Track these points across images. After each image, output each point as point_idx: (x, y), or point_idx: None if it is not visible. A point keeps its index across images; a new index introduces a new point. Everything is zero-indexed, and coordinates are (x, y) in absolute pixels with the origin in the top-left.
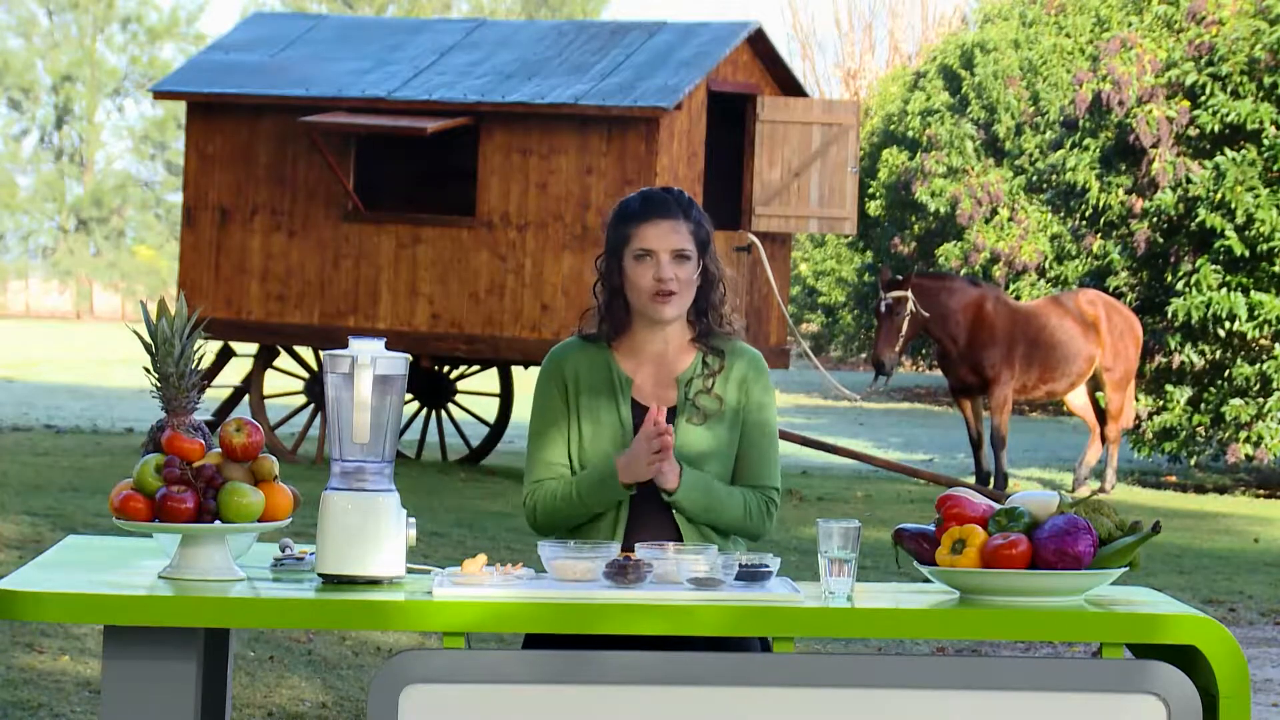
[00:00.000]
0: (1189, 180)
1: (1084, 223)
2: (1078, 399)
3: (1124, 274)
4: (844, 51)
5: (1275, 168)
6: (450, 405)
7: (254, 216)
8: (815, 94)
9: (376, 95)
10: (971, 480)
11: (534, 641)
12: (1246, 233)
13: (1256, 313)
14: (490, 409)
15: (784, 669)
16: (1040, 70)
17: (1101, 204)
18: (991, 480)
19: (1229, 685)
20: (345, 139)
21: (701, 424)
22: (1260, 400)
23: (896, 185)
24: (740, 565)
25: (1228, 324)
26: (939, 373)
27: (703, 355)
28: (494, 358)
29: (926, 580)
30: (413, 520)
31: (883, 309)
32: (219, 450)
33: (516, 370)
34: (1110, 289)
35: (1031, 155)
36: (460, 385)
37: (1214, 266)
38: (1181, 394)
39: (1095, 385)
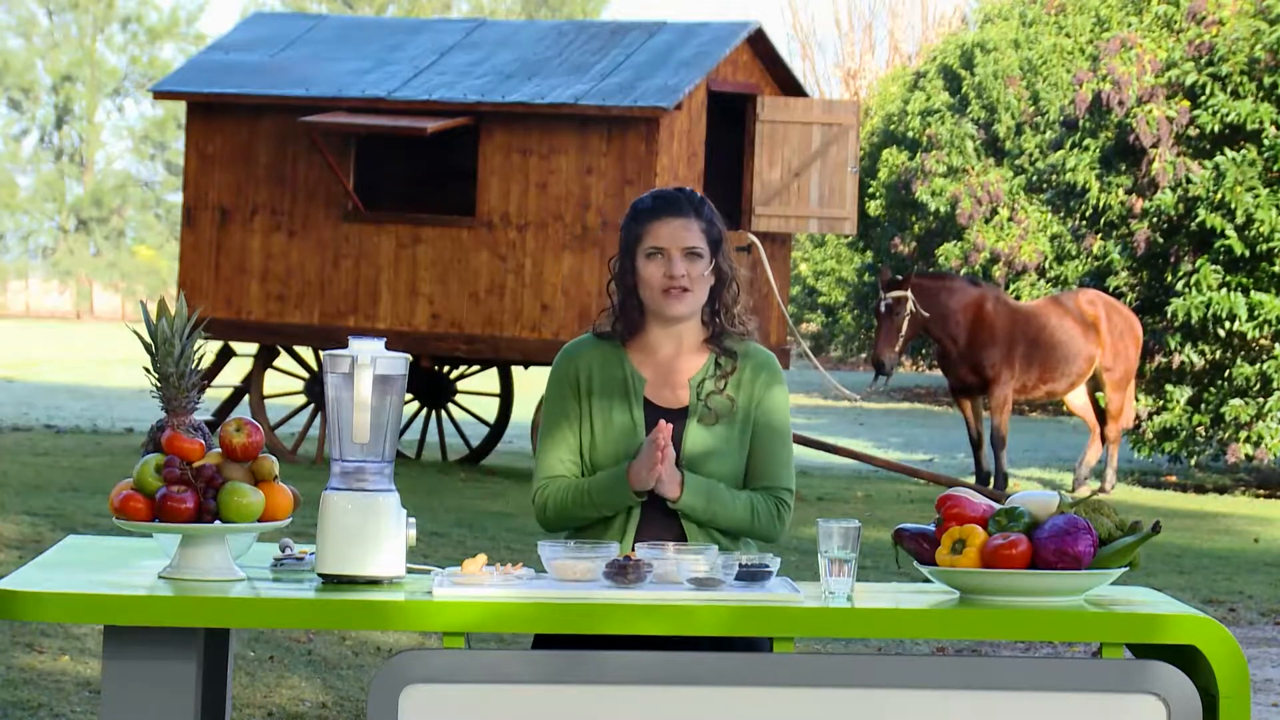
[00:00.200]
0: (1189, 180)
1: (1084, 223)
2: (1078, 399)
3: (1124, 274)
4: (844, 51)
5: (1275, 168)
6: (450, 405)
7: (254, 216)
8: (815, 94)
9: (376, 95)
10: (971, 480)
11: (543, 642)
12: (1246, 233)
13: (1256, 313)
14: (490, 409)
15: (784, 669)
16: (1040, 70)
17: (1101, 204)
18: (991, 480)
19: (1229, 685)
20: (345, 139)
21: (713, 425)
22: (1260, 400)
23: (896, 185)
24: (740, 565)
25: (1228, 324)
26: (939, 373)
27: (715, 356)
28: (494, 358)
29: (926, 580)
30: (413, 520)
31: (883, 309)
32: (219, 450)
33: (516, 370)
34: (1110, 289)
35: (1031, 155)
36: (460, 385)
37: (1214, 266)
38: (1181, 394)
39: (1095, 385)
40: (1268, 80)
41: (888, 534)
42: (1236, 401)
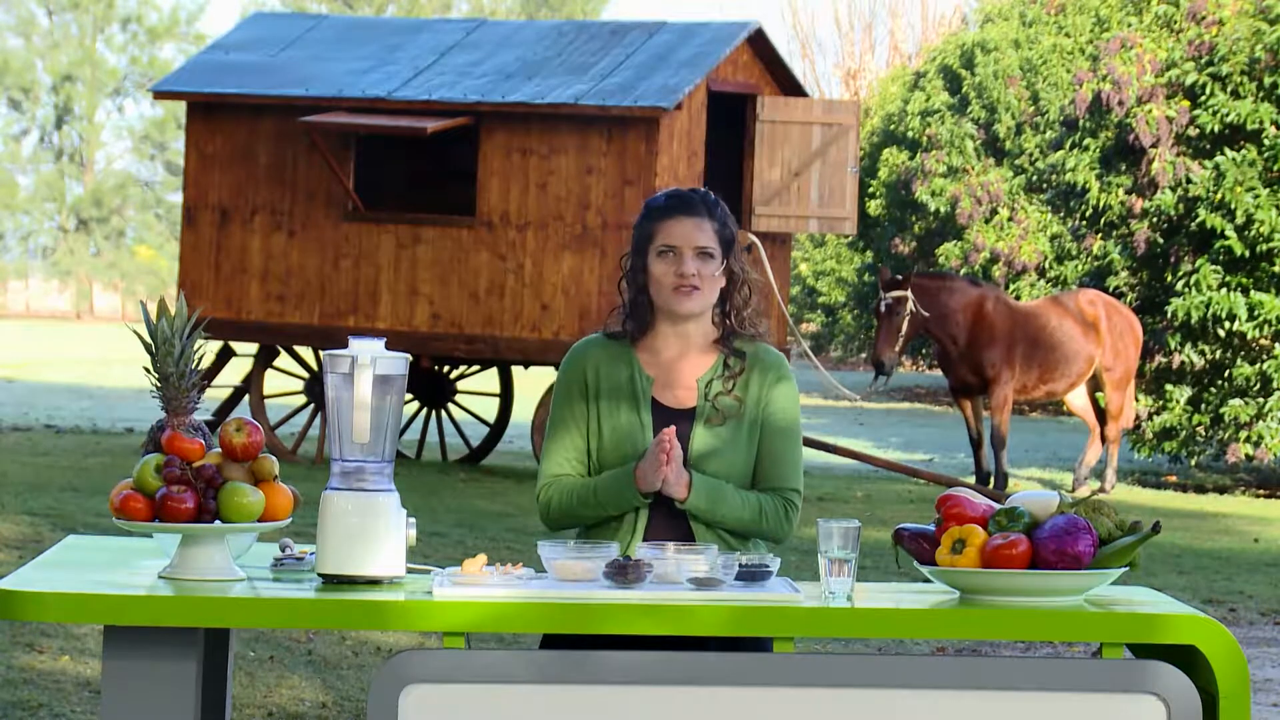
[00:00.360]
0: (1189, 180)
1: (1084, 223)
2: (1078, 399)
3: (1124, 274)
4: (844, 51)
5: (1275, 168)
6: (450, 405)
7: (254, 216)
8: (815, 94)
9: (376, 95)
10: (971, 480)
11: (551, 642)
12: (1246, 233)
13: (1256, 313)
14: (490, 409)
15: (784, 669)
16: (1040, 70)
17: (1101, 204)
18: (991, 480)
19: (1229, 685)
20: (345, 139)
21: (721, 425)
22: (1260, 400)
23: (896, 185)
24: (740, 565)
25: (1228, 324)
26: (939, 373)
27: (724, 357)
28: (494, 358)
29: (926, 580)
30: (413, 520)
31: (883, 309)
32: (219, 450)
33: (516, 370)
34: (1110, 289)
35: (1031, 155)
36: (460, 385)
37: (1214, 266)
38: (1181, 394)
39: (1095, 385)
40: (1268, 80)
41: (888, 534)
42: (1236, 401)
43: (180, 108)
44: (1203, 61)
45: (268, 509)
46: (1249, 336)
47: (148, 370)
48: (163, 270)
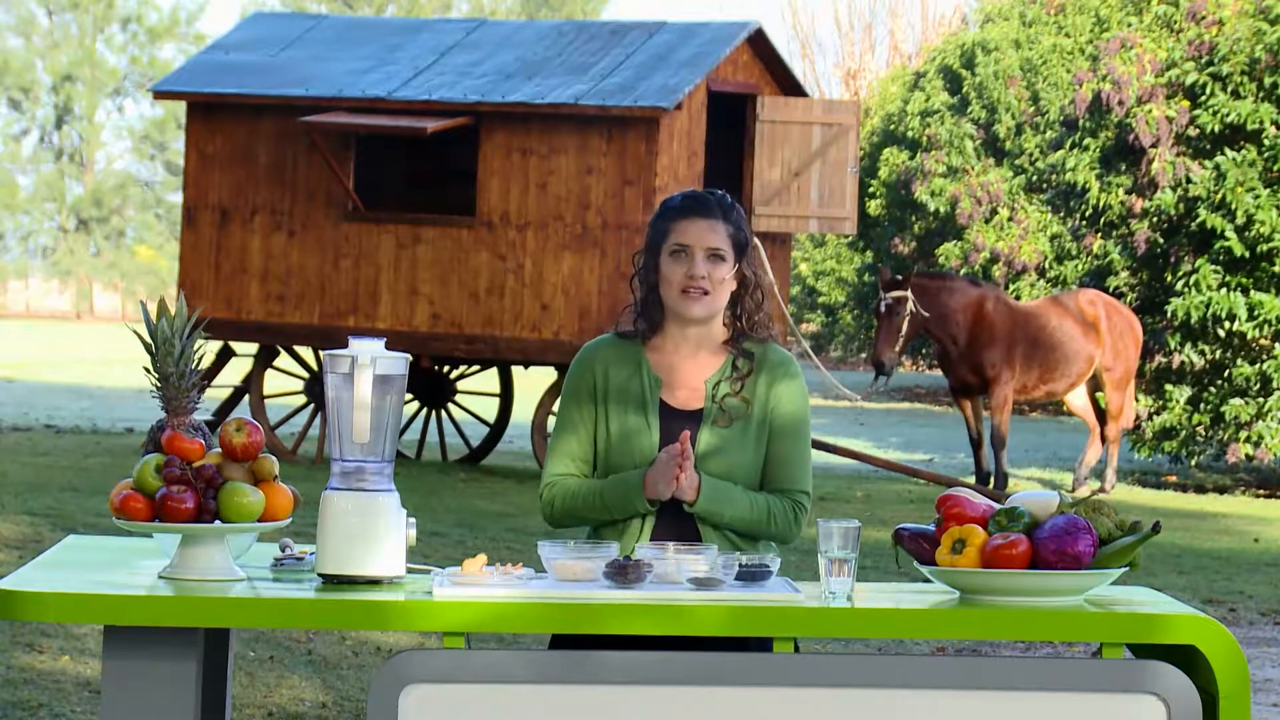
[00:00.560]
0: (1189, 180)
1: (1084, 223)
2: (1078, 399)
3: (1124, 274)
4: (844, 51)
5: (1275, 168)
6: (450, 405)
7: (254, 216)
8: (815, 94)
9: (376, 95)
10: (971, 480)
11: (559, 642)
12: (1246, 233)
13: (1256, 313)
14: (490, 409)
15: (784, 669)
16: (1040, 70)
17: (1101, 204)
18: (991, 480)
19: (1229, 685)
20: (345, 139)
21: (728, 427)
22: (1260, 400)
23: (896, 185)
24: (740, 565)
25: (1228, 324)
26: (939, 373)
27: (733, 358)
28: (494, 358)
29: (926, 580)
30: (413, 520)
31: (883, 309)
32: (219, 450)
33: (516, 370)
34: (1110, 289)
35: (1031, 155)
36: (460, 385)
37: (1214, 266)
38: (1181, 394)
39: (1095, 385)
40: (1268, 80)
41: (888, 534)
42: (1236, 401)
43: (180, 108)
44: (1203, 61)
45: (268, 509)
46: (1249, 336)
47: (148, 370)
48: (163, 270)
